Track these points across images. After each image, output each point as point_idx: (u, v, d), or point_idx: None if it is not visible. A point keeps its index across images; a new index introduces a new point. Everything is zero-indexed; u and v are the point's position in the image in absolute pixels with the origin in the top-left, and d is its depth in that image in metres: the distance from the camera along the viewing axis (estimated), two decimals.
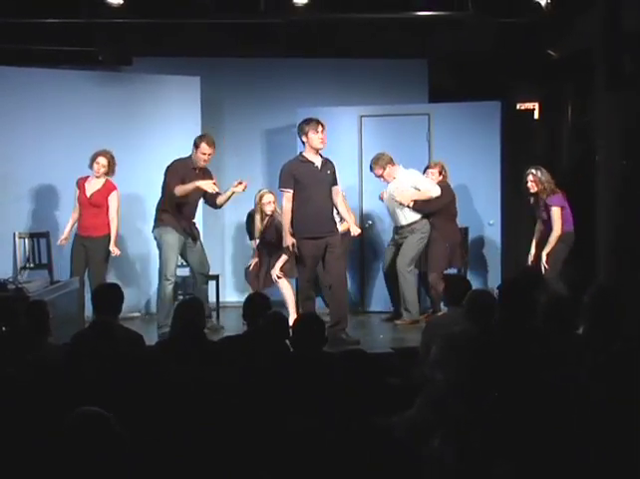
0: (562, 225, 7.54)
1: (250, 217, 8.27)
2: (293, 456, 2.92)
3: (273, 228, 7.89)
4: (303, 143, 6.89)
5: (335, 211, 7.09)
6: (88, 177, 7.83)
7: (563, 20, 8.11)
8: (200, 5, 7.81)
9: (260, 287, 7.86)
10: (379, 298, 8.91)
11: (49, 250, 8.29)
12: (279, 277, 7.79)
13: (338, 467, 2.87)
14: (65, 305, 6.69)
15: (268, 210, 7.97)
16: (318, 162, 6.87)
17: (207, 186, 7.17)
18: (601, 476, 2.90)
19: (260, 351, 4.65)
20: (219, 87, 9.45)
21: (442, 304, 7.21)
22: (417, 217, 8.05)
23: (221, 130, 9.48)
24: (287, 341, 4.77)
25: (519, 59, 9.01)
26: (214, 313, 8.16)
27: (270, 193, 7.97)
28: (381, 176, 8.19)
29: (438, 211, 8.05)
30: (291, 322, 4.93)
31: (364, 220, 8.95)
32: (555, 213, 7.57)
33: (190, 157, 7.35)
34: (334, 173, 6.97)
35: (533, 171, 7.66)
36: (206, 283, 7.79)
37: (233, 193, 7.43)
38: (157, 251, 7.50)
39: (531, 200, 7.76)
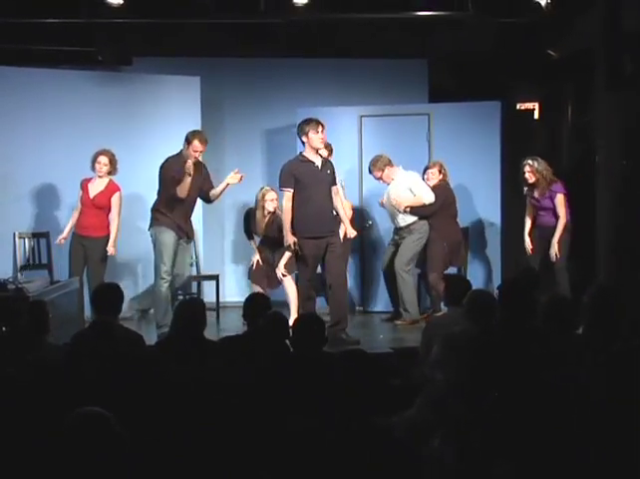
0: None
1: (248, 215, 8.26)
2: (293, 456, 2.92)
3: (275, 225, 7.89)
4: (303, 143, 6.89)
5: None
6: (91, 178, 7.84)
7: (563, 20, 8.11)
8: (200, 5, 7.80)
9: (267, 288, 7.86)
10: (379, 298, 8.92)
11: (49, 250, 8.29)
12: (284, 276, 7.79)
13: (338, 467, 2.87)
14: (65, 305, 6.69)
15: (271, 207, 7.96)
16: (318, 162, 6.88)
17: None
18: (601, 476, 2.90)
19: (260, 351, 4.65)
20: (219, 87, 9.45)
21: (442, 304, 7.21)
22: (415, 217, 8.06)
23: (221, 130, 9.49)
24: (287, 341, 4.77)
25: (519, 59, 9.01)
26: (214, 313, 8.17)
27: (272, 190, 7.96)
28: (380, 178, 8.20)
29: (435, 212, 8.06)
30: (291, 322, 4.93)
31: (364, 220, 8.95)
32: (561, 200, 7.60)
33: (181, 152, 7.27)
34: (333, 172, 6.99)
35: (530, 161, 7.70)
36: (178, 285, 7.62)
37: (228, 184, 7.26)
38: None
39: (527, 190, 7.79)
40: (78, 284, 7.36)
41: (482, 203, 8.92)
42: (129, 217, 8.04)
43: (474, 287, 5.54)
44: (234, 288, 9.44)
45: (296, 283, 7.69)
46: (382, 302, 8.80)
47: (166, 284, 7.20)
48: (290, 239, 6.82)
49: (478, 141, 8.83)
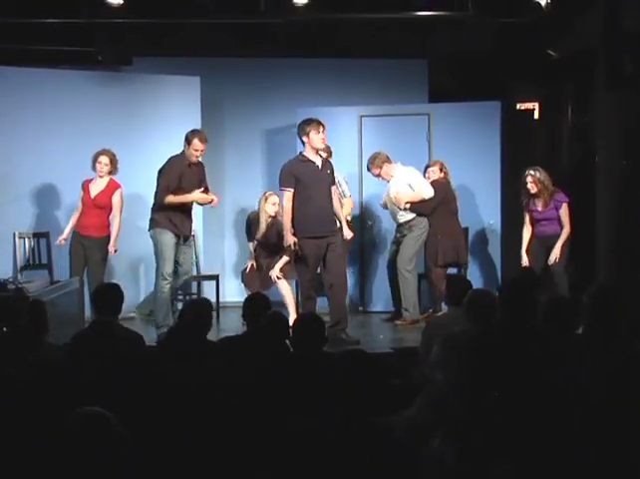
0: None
1: (250, 219, 8.25)
2: (293, 456, 2.92)
3: (274, 229, 7.88)
4: (303, 143, 6.89)
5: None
6: (92, 179, 7.84)
7: (563, 20, 8.11)
8: (200, 5, 7.81)
9: (260, 290, 7.85)
10: (379, 298, 8.92)
11: (49, 250, 8.29)
12: (278, 278, 7.79)
13: (338, 467, 2.87)
14: (65, 305, 6.69)
15: (272, 211, 7.96)
16: (318, 161, 6.88)
17: (204, 200, 7.14)
18: (601, 476, 2.90)
19: (260, 351, 4.65)
20: (219, 87, 9.45)
21: (442, 304, 7.21)
22: (414, 214, 8.07)
23: (221, 130, 9.49)
24: (287, 341, 4.77)
25: (519, 59, 9.01)
26: (214, 313, 8.16)
27: (274, 194, 7.96)
28: (378, 175, 8.20)
29: (434, 209, 8.06)
30: (291, 322, 4.93)
31: (364, 220, 8.95)
32: (566, 209, 7.59)
33: (183, 153, 7.29)
34: (333, 172, 6.99)
35: (532, 172, 7.66)
36: (179, 285, 7.66)
37: (197, 200, 7.32)
38: None
39: (529, 202, 7.74)
40: (78, 284, 7.36)
41: (483, 203, 8.93)
42: (129, 216, 8.05)
43: (474, 287, 5.54)
44: (234, 288, 9.43)
45: (294, 284, 7.71)
46: (382, 302, 8.80)
47: (168, 286, 7.20)
48: (290, 239, 6.81)
49: (478, 141, 8.83)
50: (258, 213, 8.06)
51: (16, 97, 8.38)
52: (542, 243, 7.70)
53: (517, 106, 9.38)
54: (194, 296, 8.30)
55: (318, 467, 2.86)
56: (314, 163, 6.86)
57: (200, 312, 5.01)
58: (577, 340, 4.34)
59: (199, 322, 4.94)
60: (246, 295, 5.90)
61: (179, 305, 8.46)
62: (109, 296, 5.19)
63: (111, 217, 7.82)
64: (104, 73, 8.96)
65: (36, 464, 2.96)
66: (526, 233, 7.79)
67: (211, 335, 5.28)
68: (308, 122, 6.84)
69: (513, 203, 8.65)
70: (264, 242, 8.06)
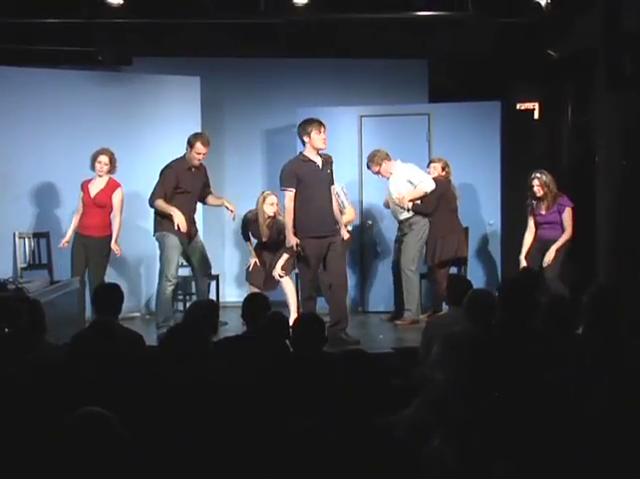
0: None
1: (247, 219, 8.24)
2: (293, 456, 2.92)
3: (275, 229, 7.88)
4: (303, 142, 6.88)
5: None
6: (91, 179, 7.84)
7: (563, 20, 8.11)
8: (200, 5, 7.81)
9: (264, 290, 7.85)
10: (379, 298, 8.92)
11: (49, 250, 8.30)
12: (281, 276, 7.79)
13: (338, 467, 2.87)
14: (65, 305, 6.69)
15: (270, 211, 7.95)
16: (319, 161, 6.88)
17: (182, 224, 7.09)
18: (601, 476, 2.90)
19: (260, 351, 4.65)
20: (219, 87, 9.45)
21: (443, 304, 7.21)
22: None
23: (221, 130, 9.49)
24: (287, 341, 4.77)
25: (519, 59, 9.01)
26: None
27: (272, 194, 7.96)
28: (378, 172, 8.19)
29: (436, 208, 8.05)
30: (291, 322, 4.93)
31: (364, 219, 8.95)
32: (569, 213, 7.55)
33: (185, 156, 7.30)
34: (332, 172, 6.99)
35: (539, 175, 7.62)
36: (207, 284, 7.77)
37: (223, 205, 7.60)
38: (157, 251, 7.49)
39: (534, 204, 7.70)
40: (78, 284, 7.36)
41: (483, 203, 8.93)
42: (129, 216, 8.05)
43: (474, 287, 5.54)
44: (234, 288, 9.45)
45: (295, 283, 7.70)
46: (382, 302, 8.80)
47: (171, 287, 7.23)
48: (293, 240, 6.80)
49: (477, 141, 8.83)
50: (256, 213, 8.05)
51: (16, 97, 8.38)
52: (541, 247, 7.65)
53: (517, 106, 9.38)
54: (194, 296, 8.29)
55: (318, 467, 2.86)
56: (315, 163, 6.86)
57: (207, 314, 5.01)
58: (577, 340, 4.34)
59: (204, 323, 4.93)
60: (246, 295, 5.89)
61: (179, 305, 8.50)
62: (109, 296, 5.19)
63: (111, 216, 7.82)
64: (104, 73, 8.96)
65: (36, 464, 2.96)
66: (528, 237, 7.73)
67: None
68: (309, 122, 6.84)
69: (513, 203, 8.66)
70: (266, 243, 8.05)
